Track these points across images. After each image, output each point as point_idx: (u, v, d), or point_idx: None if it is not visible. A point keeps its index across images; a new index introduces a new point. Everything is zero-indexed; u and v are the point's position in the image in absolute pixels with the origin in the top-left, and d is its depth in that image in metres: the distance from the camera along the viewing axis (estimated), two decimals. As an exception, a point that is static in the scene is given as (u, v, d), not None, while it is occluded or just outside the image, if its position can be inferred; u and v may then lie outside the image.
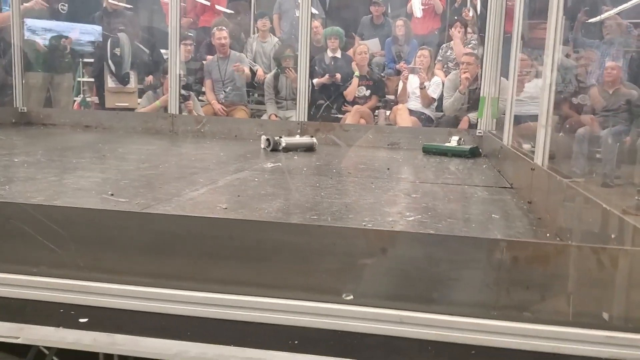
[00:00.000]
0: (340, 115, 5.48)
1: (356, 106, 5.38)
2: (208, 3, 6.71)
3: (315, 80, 5.46)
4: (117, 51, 5.82)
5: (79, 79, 6.34)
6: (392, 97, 5.73)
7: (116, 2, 6.04)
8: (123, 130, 4.35)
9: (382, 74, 5.81)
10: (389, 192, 2.20)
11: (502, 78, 3.73)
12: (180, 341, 1.07)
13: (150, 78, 5.98)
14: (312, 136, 3.58)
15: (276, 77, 5.57)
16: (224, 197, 1.97)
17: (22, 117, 4.52)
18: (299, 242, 1.07)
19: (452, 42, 5.63)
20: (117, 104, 5.81)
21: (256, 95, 6.16)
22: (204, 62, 5.83)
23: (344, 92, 5.47)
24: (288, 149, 3.31)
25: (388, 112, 5.52)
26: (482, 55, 4.04)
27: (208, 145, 3.69)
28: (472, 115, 4.87)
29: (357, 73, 5.45)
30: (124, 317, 1.09)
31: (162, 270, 1.10)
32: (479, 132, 3.90)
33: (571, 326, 0.96)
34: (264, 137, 3.40)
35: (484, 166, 3.13)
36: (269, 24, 6.10)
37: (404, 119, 5.14)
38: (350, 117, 5.28)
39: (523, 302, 0.98)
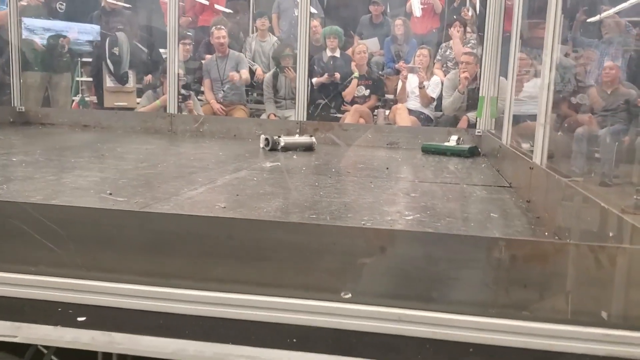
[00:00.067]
0: (339, 115, 5.48)
1: (355, 105, 5.38)
2: (207, 2, 6.71)
3: (314, 80, 5.46)
4: (116, 50, 5.81)
5: (77, 79, 6.34)
6: (391, 96, 5.73)
7: (114, 1, 6.05)
8: (122, 129, 4.34)
9: (381, 74, 5.82)
10: (388, 192, 2.20)
11: (501, 77, 3.73)
12: (179, 339, 1.07)
13: (149, 77, 5.97)
14: (311, 135, 3.58)
15: (275, 77, 5.57)
16: (222, 196, 1.97)
17: (20, 116, 4.51)
18: (297, 241, 1.07)
19: (451, 41, 5.64)
20: (115, 104, 5.81)
21: (255, 94, 6.16)
22: (203, 61, 5.83)
23: (343, 93, 5.47)
24: (287, 148, 3.31)
25: (387, 112, 5.52)
26: (481, 55, 4.04)
27: (207, 145, 3.69)
28: (471, 115, 4.88)
29: (356, 74, 5.44)
30: (122, 316, 1.09)
31: (160, 269, 1.10)
32: (478, 132, 3.91)
33: (569, 324, 0.96)
34: (263, 137, 3.40)
35: (483, 165, 3.13)
36: (267, 23, 6.10)
37: (403, 119, 5.14)
38: (349, 116, 5.28)
39: (521, 300, 0.98)
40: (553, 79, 1.98)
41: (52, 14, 5.92)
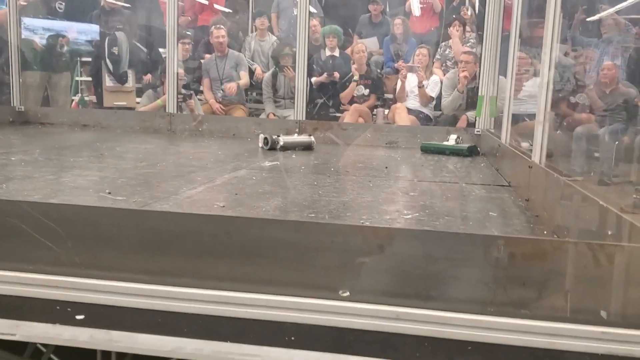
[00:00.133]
0: (338, 114, 5.48)
1: (354, 105, 5.38)
2: (206, 2, 6.71)
3: (313, 79, 5.45)
4: (115, 50, 5.81)
5: (76, 78, 6.33)
6: (390, 95, 5.72)
7: (114, 1, 6.04)
8: (121, 129, 4.34)
9: (380, 73, 5.81)
10: (386, 191, 2.20)
11: (500, 77, 3.74)
12: (177, 337, 1.07)
13: (148, 77, 5.97)
14: (310, 135, 3.58)
15: (274, 76, 5.56)
16: (221, 195, 1.97)
17: (20, 116, 4.51)
18: (296, 240, 1.07)
19: (450, 40, 5.63)
20: (115, 103, 5.81)
21: (254, 94, 6.16)
22: (202, 61, 5.83)
23: (340, 95, 5.46)
24: (286, 147, 3.31)
25: (386, 111, 5.52)
26: (481, 54, 4.04)
27: (206, 144, 3.69)
28: (471, 114, 4.88)
29: (355, 77, 5.44)
30: (120, 314, 1.09)
31: (159, 267, 1.10)
32: (477, 131, 3.91)
33: (568, 322, 0.96)
34: (262, 136, 3.40)
35: (482, 164, 3.13)
36: (267, 23, 6.09)
37: (402, 118, 5.14)
38: (348, 115, 5.28)
39: (520, 299, 0.98)
40: (552, 77, 1.98)
41: (52, 14, 5.92)
